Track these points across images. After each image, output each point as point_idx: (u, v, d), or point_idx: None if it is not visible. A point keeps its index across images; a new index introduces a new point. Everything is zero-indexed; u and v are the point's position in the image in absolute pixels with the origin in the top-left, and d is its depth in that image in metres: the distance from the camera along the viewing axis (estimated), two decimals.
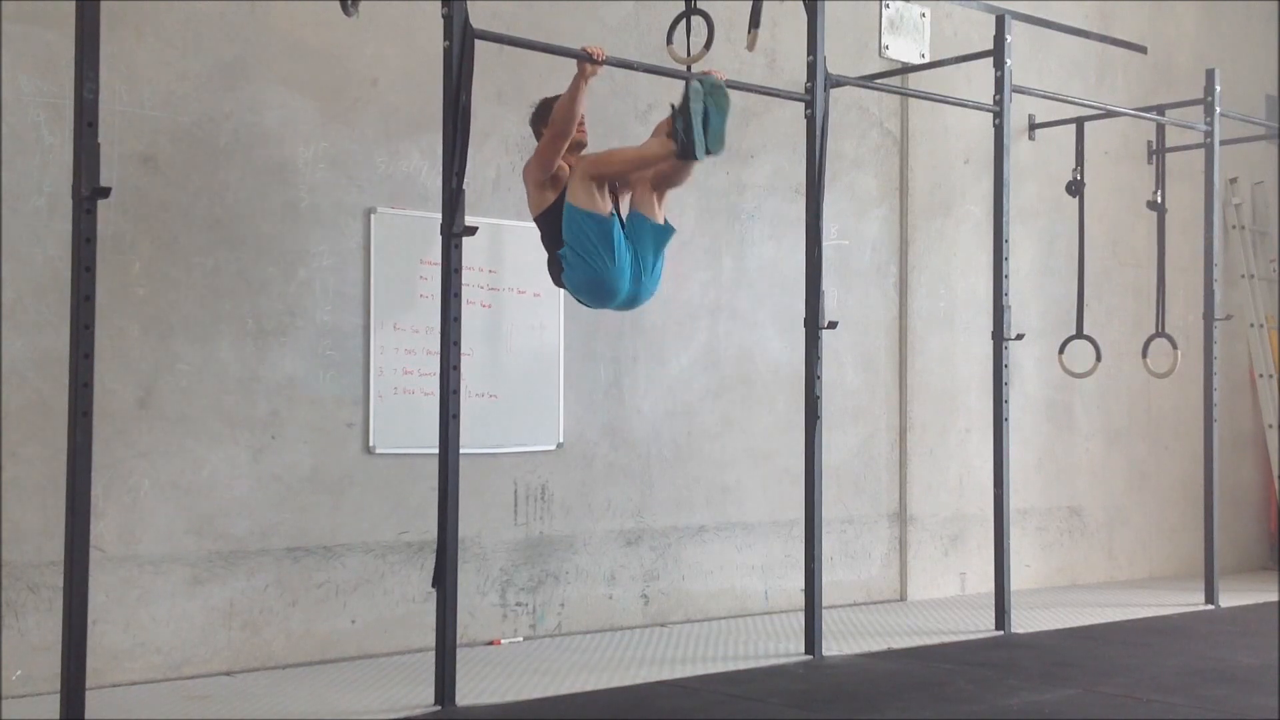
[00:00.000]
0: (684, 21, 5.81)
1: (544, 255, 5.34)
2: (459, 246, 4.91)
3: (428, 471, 5.32)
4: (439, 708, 4.80)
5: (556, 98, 5.32)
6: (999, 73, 6.59)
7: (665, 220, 5.32)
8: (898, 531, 7.62)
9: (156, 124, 5.25)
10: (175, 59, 5.30)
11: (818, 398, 5.95)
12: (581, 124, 5.39)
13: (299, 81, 5.60)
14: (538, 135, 5.41)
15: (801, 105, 6.06)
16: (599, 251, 5.13)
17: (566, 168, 5.28)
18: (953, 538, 7.82)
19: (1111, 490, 8.71)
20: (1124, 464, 8.79)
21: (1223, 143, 7.85)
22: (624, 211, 5.32)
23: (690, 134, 5.06)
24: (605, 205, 5.16)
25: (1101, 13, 8.61)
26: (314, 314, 5.62)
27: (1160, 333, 8.09)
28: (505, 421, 6.13)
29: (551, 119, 5.21)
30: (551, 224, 5.27)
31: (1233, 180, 9.24)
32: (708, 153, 5.13)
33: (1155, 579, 8.78)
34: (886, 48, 7.56)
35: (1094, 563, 8.60)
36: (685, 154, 5.10)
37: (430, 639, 5.08)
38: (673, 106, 5.18)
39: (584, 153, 5.37)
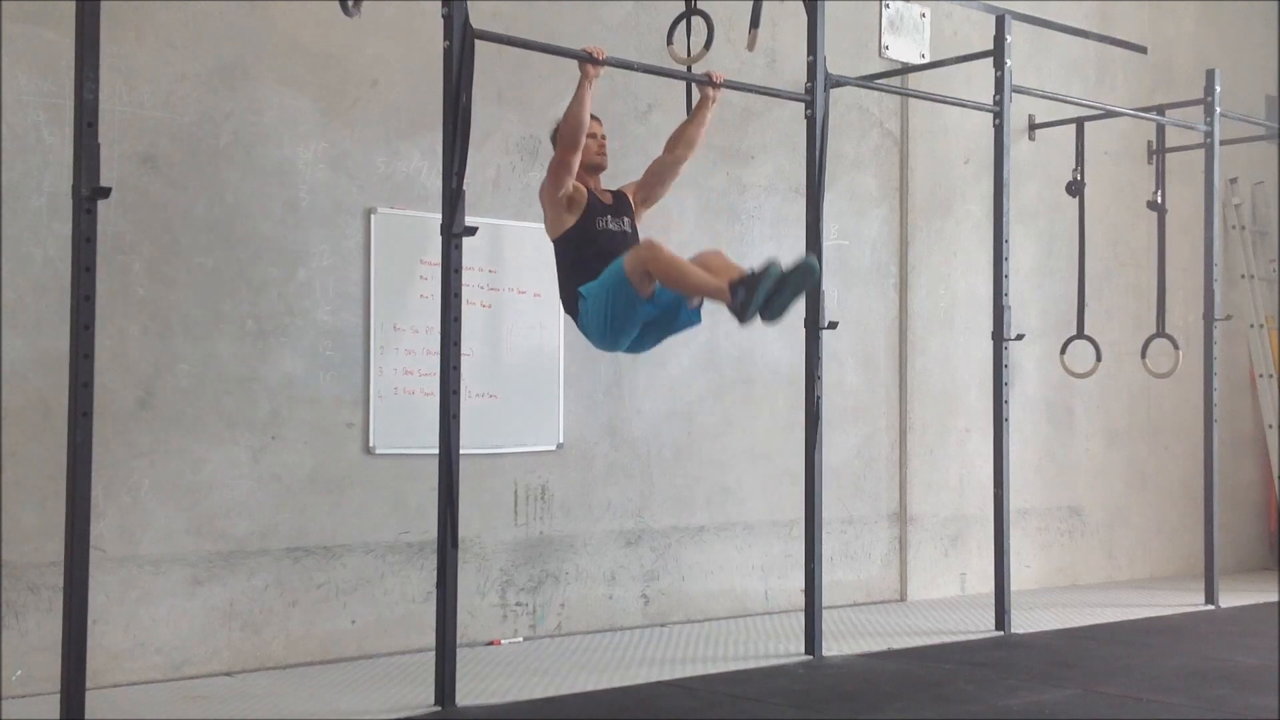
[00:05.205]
0: (684, 22, 5.81)
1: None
2: (459, 246, 4.91)
3: (428, 471, 5.32)
4: (439, 708, 4.80)
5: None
6: (999, 73, 6.59)
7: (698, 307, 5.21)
8: (898, 532, 7.62)
9: (156, 124, 5.25)
10: (175, 59, 5.30)
11: (818, 398, 5.95)
12: (603, 147, 5.35)
13: (299, 81, 5.60)
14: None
15: (801, 105, 6.06)
16: (620, 319, 5.03)
17: (584, 189, 5.23)
18: (953, 538, 7.82)
19: (1111, 490, 8.70)
20: (1124, 464, 8.79)
21: (1223, 143, 7.84)
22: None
23: (748, 306, 4.75)
24: (649, 290, 5.00)
25: (1101, 13, 8.61)
26: (314, 314, 5.62)
27: (1160, 333, 8.08)
28: (505, 421, 6.13)
29: (559, 129, 5.17)
30: (571, 251, 5.21)
31: (1233, 180, 9.23)
32: (761, 320, 4.86)
33: (1155, 579, 8.77)
34: (886, 48, 7.56)
35: (1094, 563, 8.59)
36: (737, 314, 4.81)
37: (430, 639, 5.08)
38: (751, 271, 4.78)
39: (643, 232, 5.29)
